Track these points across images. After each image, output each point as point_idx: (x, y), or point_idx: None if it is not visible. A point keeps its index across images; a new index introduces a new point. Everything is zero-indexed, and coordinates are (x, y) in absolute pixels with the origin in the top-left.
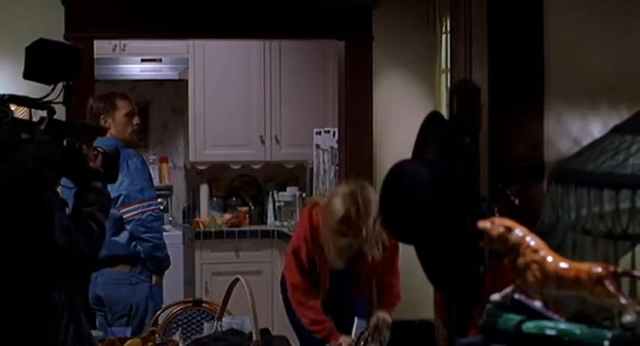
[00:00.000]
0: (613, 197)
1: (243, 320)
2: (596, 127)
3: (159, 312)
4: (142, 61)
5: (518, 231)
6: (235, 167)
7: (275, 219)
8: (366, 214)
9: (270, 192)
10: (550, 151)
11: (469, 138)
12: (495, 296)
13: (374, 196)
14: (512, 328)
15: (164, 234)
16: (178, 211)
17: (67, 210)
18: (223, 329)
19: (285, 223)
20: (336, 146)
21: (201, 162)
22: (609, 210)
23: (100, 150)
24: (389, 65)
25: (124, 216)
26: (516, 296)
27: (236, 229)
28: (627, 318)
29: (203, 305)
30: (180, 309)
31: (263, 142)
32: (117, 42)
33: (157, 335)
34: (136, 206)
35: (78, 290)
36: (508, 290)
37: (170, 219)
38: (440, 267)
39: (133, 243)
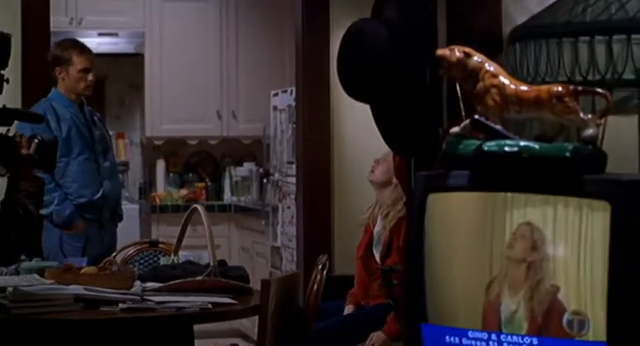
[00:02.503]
0: (572, 45)
1: (200, 254)
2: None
3: (114, 253)
4: (99, 35)
5: (477, 57)
6: (192, 142)
7: (232, 194)
8: None
9: (227, 168)
10: (508, 27)
11: None
12: (455, 129)
13: None
14: (472, 152)
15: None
16: (135, 187)
17: None
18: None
19: (242, 198)
20: (293, 104)
21: (158, 137)
22: (568, 59)
23: (38, 137)
24: (347, 16)
25: None
26: (476, 117)
27: (193, 203)
28: (589, 132)
29: (159, 245)
30: (137, 250)
31: (220, 117)
32: (73, 15)
33: (113, 266)
34: None
35: None
36: (467, 122)
37: (126, 195)
38: (398, 127)
39: None
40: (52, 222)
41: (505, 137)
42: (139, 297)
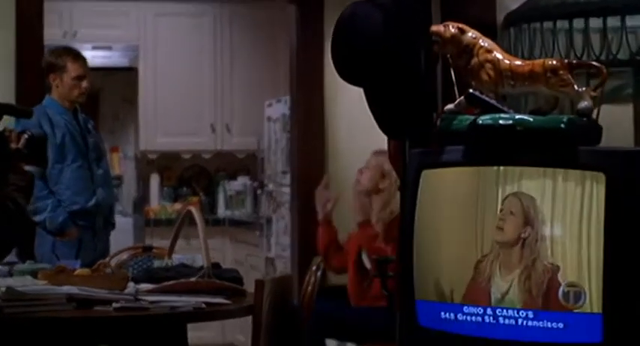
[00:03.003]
0: (566, 27)
1: (193, 257)
2: None
3: (108, 258)
4: (93, 48)
5: (471, 33)
6: (186, 156)
7: (226, 208)
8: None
9: (221, 182)
10: (502, 14)
11: None
12: (449, 106)
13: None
14: (466, 127)
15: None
16: (129, 201)
17: None
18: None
19: (237, 212)
20: (287, 113)
21: (152, 150)
22: (562, 42)
23: (28, 132)
24: None
25: None
26: (471, 90)
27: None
28: (583, 104)
29: (153, 250)
30: (130, 255)
31: (214, 131)
32: (68, 28)
33: (106, 268)
34: None
35: None
36: (461, 98)
37: (120, 209)
38: (392, 111)
39: None
40: (45, 228)
41: (500, 111)
42: (132, 297)
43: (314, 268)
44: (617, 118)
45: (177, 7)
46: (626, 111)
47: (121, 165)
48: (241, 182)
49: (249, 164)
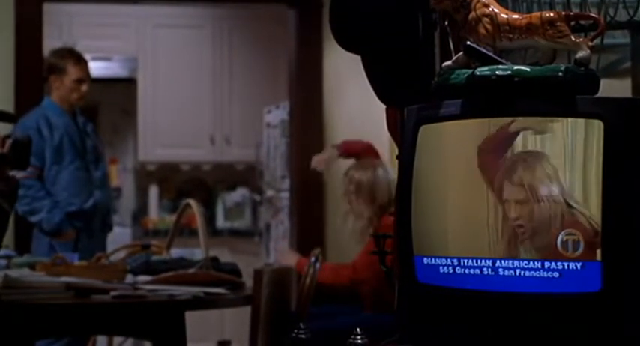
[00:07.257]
0: None
1: (192, 251)
2: None
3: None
4: (93, 59)
5: None
6: (185, 167)
7: (225, 219)
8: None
9: (220, 194)
10: None
11: None
12: (447, 63)
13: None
14: (464, 80)
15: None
16: (127, 213)
17: None
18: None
19: (236, 224)
20: (287, 118)
21: (151, 161)
22: (560, 5)
23: (12, 136)
24: None
25: None
26: (469, 42)
27: (186, 228)
28: (581, 53)
29: (152, 248)
30: (129, 253)
31: (213, 143)
32: (67, 39)
33: (104, 260)
34: None
35: None
36: (459, 54)
37: (119, 220)
38: (390, 78)
39: None
40: (42, 230)
41: (498, 63)
42: (130, 286)
43: (312, 259)
44: (616, 93)
45: (176, 19)
46: (624, 85)
47: (119, 176)
48: (240, 193)
49: (248, 176)
